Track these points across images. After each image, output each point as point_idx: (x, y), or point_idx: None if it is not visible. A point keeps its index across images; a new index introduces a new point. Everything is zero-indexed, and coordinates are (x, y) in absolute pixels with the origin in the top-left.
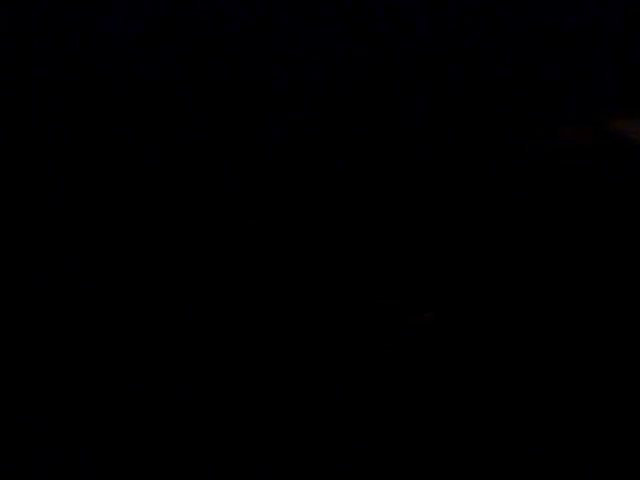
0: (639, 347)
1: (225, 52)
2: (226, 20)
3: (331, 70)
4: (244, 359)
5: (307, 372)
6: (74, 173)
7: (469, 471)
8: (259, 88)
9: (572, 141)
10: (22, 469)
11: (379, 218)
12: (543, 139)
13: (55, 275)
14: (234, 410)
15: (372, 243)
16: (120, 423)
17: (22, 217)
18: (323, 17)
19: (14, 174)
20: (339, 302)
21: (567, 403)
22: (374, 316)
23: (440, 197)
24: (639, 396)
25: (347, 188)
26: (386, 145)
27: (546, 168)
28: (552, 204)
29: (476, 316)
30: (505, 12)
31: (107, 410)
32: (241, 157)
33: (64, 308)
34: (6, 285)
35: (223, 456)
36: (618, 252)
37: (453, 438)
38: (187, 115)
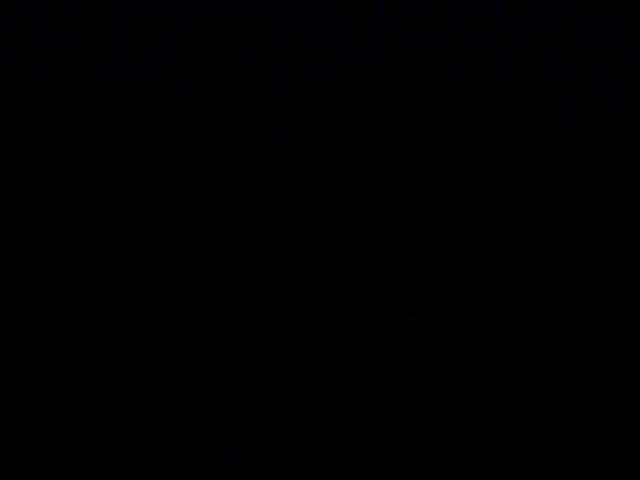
0: (639, 347)
1: (225, 52)
2: (226, 20)
3: (331, 70)
4: (244, 359)
5: (307, 372)
6: (74, 173)
7: (469, 471)
8: (259, 88)
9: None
10: (22, 469)
11: (379, 218)
12: (543, 139)
13: (55, 275)
14: (234, 410)
15: (372, 243)
16: (120, 423)
17: (22, 217)
18: (323, 17)
19: (14, 174)
20: (339, 302)
21: (567, 403)
22: (374, 316)
23: (440, 197)
24: (639, 396)
25: (347, 188)
26: (386, 145)
27: (546, 168)
28: (552, 204)
29: (476, 316)
30: (505, 12)
31: (107, 410)
32: (241, 157)
33: (64, 308)
34: (6, 285)
35: (223, 456)
36: (618, 252)
37: (453, 438)
38: (187, 115)
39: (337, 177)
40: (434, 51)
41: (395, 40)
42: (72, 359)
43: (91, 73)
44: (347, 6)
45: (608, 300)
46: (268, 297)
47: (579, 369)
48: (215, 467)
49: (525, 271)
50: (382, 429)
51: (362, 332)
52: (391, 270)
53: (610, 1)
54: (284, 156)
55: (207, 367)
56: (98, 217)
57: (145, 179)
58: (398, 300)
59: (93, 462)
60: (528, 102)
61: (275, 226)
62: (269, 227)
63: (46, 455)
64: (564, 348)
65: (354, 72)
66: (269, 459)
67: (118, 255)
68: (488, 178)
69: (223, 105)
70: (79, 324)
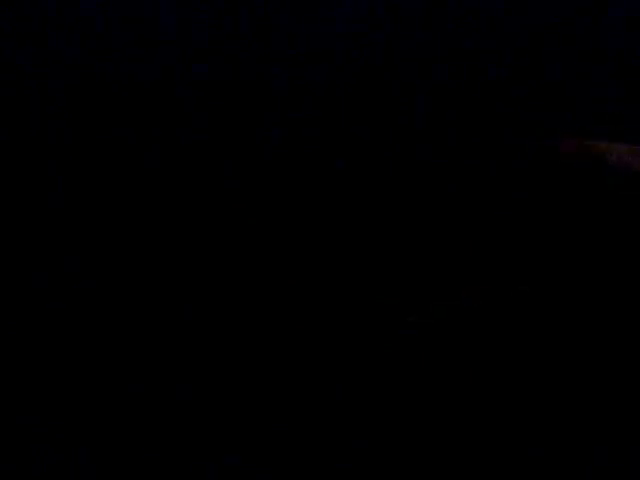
0: (639, 347)
1: (225, 52)
2: (226, 20)
3: (331, 70)
4: (244, 359)
5: (307, 372)
6: (74, 173)
7: (469, 471)
8: (259, 88)
9: (572, 148)
10: (22, 469)
11: (379, 218)
12: (543, 139)
13: (55, 275)
14: (234, 410)
15: (372, 243)
16: (120, 423)
17: (22, 217)
18: (323, 17)
19: (14, 174)
20: (339, 302)
21: (567, 403)
22: (374, 316)
23: (440, 197)
24: (639, 396)
25: (347, 188)
26: (386, 145)
27: (546, 168)
28: (552, 204)
29: (476, 316)
30: (505, 12)
31: (107, 410)
32: (241, 157)
33: (64, 308)
34: (6, 285)
35: (223, 456)
36: (618, 252)
37: (453, 438)
38: (187, 115)
39: (337, 177)
40: (434, 51)
41: (395, 40)
42: (72, 359)
43: (91, 73)
44: (347, 6)
45: (608, 300)
46: (268, 297)
47: (579, 369)
48: (215, 467)
49: (525, 271)
50: (382, 429)
51: (362, 332)
52: (391, 270)
53: (610, 1)
54: (284, 156)
55: (207, 367)
56: (98, 217)
57: (145, 179)
58: (398, 300)
59: (93, 462)
60: (528, 102)
61: (275, 226)
62: (269, 227)
63: (46, 455)
64: (564, 348)
65: (354, 72)
66: (269, 459)
67: (118, 255)
68: (488, 178)
69: (223, 105)
70: (79, 324)
